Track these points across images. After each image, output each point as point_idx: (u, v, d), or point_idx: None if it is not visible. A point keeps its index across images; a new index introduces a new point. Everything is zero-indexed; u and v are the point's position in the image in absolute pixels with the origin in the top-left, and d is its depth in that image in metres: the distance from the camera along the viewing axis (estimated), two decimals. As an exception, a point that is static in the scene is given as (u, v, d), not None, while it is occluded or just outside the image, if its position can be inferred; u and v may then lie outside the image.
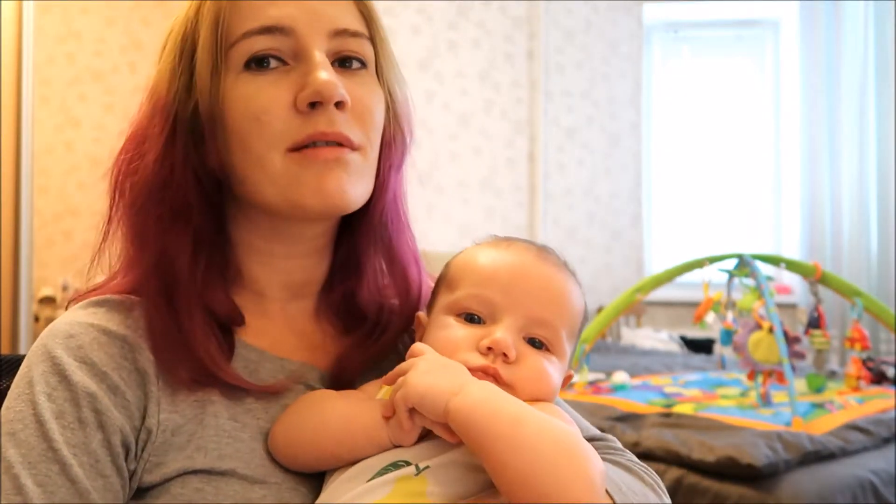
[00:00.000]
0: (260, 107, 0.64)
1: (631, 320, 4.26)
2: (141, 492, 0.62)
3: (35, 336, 3.50)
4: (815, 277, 2.36)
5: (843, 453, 1.75)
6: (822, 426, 1.84)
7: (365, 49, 0.69)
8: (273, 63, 0.65)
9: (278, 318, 0.73)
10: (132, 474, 0.61)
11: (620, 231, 4.47)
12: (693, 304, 2.54)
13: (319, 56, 0.65)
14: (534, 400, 0.62)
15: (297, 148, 0.64)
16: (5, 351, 2.87)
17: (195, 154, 0.67)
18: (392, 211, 0.75)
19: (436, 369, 0.59)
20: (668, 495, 0.68)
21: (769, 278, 2.22)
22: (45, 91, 3.97)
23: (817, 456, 1.70)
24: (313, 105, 0.64)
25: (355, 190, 0.66)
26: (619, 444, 0.74)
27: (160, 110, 0.68)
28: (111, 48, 4.22)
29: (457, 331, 0.65)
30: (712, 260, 2.36)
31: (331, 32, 0.67)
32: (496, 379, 0.61)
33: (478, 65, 4.28)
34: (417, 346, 0.64)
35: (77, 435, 0.59)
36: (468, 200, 4.21)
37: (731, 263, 2.31)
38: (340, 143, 0.65)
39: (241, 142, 0.65)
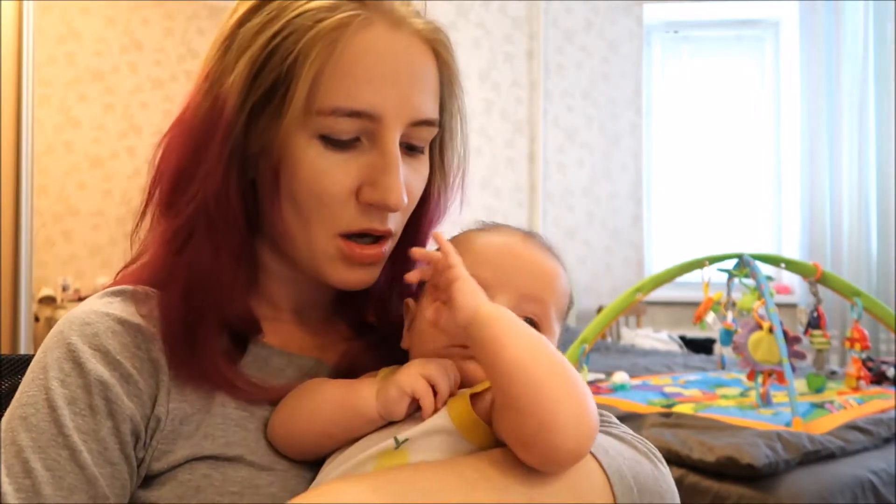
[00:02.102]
0: (325, 188, 0.65)
1: (631, 320, 4.26)
2: (148, 479, 0.63)
3: (35, 336, 3.50)
4: (815, 277, 2.36)
5: (843, 453, 1.74)
6: (822, 426, 1.84)
7: (433, 134, 0.71)
8: (349, 140, 0.66)
9: (289, 320, 0.75)
10: (140, 462, 0.62)
11: (620, 231, 4.47)
12: (693, 304, 2.54)
13: (395, 151, 0.66)
14: None
15: (346, 235, 0.67)
16: (5, 351, 2.87)
17: (245, 179, 0.67)
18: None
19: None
20: (665, 465, 0.67)
21: (769, 278, 2.22)
22: (45, 91, 3.97)
23: (817, 456, 1.70)
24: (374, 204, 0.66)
25: (377, 275, 0.71)
26: (615, 419, 0.74)
27: (222, 129, 0.65)
28: (111, 48, 4.22)
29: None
30: (712, 260, 2.36)
31: (413, 122, 0.67)
32: None
33: (478, 65, 4.28)
34: (439, 237, 0.64)
35: (87, 422, 0.60)
36: (468, 200, 4.20)
37: (731, 263, 2.31)
38: (385, 237, 0.68)
39: (296, 208, 0.66)
